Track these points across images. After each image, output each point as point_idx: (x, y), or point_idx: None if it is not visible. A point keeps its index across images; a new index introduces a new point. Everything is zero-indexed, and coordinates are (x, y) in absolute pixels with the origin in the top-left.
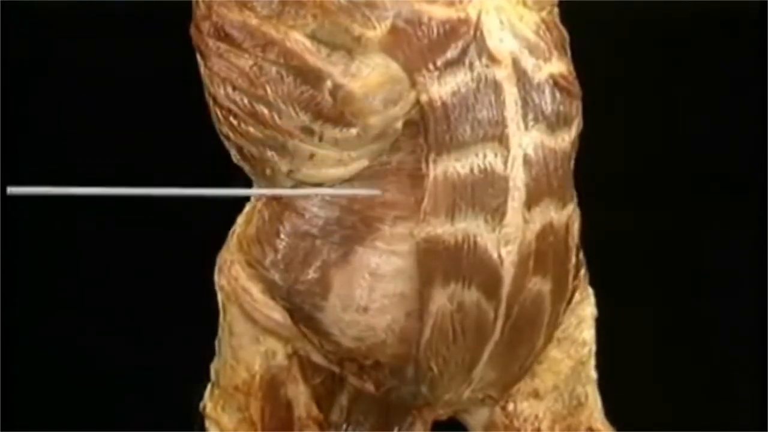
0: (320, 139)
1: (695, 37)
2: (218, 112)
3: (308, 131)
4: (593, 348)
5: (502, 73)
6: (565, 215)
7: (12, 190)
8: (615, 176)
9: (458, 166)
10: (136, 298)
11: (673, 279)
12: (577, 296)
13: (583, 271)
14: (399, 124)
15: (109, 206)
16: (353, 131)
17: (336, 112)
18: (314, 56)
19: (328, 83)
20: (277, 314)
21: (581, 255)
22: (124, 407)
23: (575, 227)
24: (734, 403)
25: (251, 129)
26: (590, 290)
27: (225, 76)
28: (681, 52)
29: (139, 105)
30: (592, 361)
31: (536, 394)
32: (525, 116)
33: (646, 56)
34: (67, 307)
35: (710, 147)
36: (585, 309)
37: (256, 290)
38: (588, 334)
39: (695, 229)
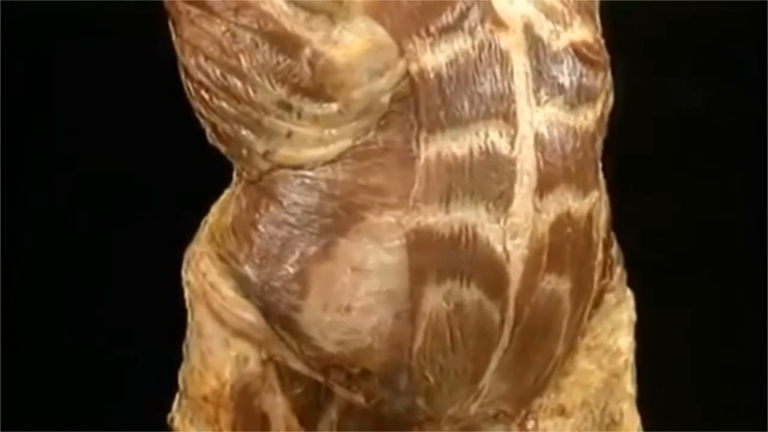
0: (298, 115)
1: (695, 37)
2: (190, 85)
3: (285, 106)
4: (631, 359)
5: (510, 40)
6: (587, 204)
7: None
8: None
9: (454, 146)
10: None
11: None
12: (611, 298)
13: (618, 270)
14: (386, 99)
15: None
16: (334, 106)
17: (315, 84)
18: (291, 21)
19: (307, 51)
20: (249, 314)
21: (615, 251)
22: (124, 407)
23: (601, 218)
24: (734, 403)
25: (224, 104)
26: (629, 292)
27: (196, 44)
28: (680, 52)
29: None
30: (629, 374)
31: (562, 411)
32: (537, 90)
33: (645, 56)
34: (66, 306)
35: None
36: (621, 314)
37: (226, 287)
38: (624, 342)
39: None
